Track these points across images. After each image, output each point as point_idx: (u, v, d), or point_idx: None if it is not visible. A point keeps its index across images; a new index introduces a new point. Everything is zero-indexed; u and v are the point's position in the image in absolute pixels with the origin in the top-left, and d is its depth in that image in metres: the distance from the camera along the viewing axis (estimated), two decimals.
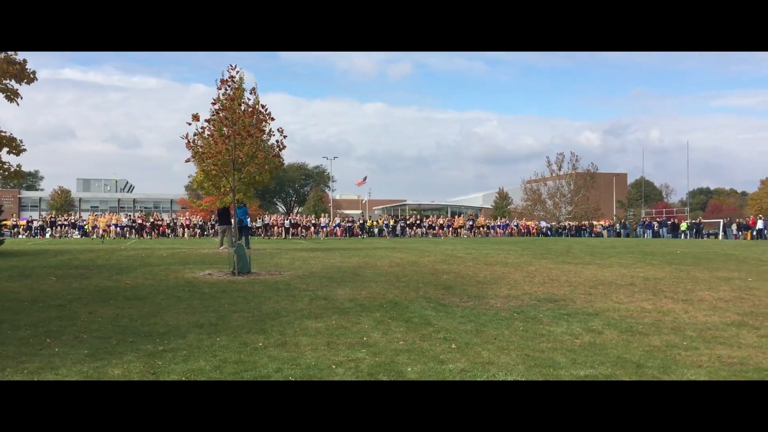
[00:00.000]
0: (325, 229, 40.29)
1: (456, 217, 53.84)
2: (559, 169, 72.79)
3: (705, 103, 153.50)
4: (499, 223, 51.96)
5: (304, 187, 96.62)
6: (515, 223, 53.00)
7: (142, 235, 33.00)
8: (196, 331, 8.08)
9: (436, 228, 45.84)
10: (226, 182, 19.44)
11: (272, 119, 13.97)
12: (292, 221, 36.52)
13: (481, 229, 47.34)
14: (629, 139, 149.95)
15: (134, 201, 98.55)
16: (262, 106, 13.93)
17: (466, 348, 7.34)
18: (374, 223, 46.60)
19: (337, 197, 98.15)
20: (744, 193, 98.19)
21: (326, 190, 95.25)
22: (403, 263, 16.92)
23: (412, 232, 44.72)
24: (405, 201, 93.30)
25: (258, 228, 36.12)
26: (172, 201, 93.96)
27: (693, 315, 9.63)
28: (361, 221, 47.03)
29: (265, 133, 14.16)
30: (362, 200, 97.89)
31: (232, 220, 18.90)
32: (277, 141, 14.17)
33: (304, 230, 37.83)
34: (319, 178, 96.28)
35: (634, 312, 9.84)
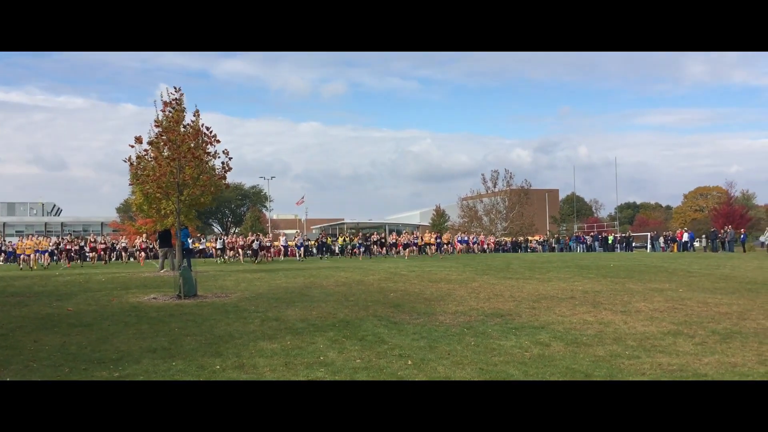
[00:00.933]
0: (300, 249, 37.61)
1: (425, 233, 47.74)
2: (494, 186, 74.17)
3: (628, 121, 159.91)
4: (459, 238, 51.66)
5: (241, 207, 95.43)
6: (474, 239, 53.22)
7: (74, 260, 31.51)
8: (150, 356, 8.01)
9: (398, 246, 41.33)
10: (166, 204, 19.18)
11: (218, 141, 13.94)
12: (261, 243, 33.32)
13: (447, 246, 42.38)
14: (558, 156, 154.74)
15: (62, 224, 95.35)
16: (207, 128, 13.89)
17: (422, 364, 7.54)
18: (345, 240, 42.87)
19: (275, 217, 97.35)
20: (668, 207, 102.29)
21: (264, 210, 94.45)
22: (349, 282, 17.04)
23: (378, 251, 41.56)
24: (343, 219, 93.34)
25: (198, 250, 34.65)
26: (102, 224, 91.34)
27: (632, 326, 10.10)
28: (321, 240, 43.96)
29: (210, 155, 14.12)
30: (300, 220, 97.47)
31: (180, 241, 18.70)
32: (223, 163, 14.16)
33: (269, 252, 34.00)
34: (255, 198, 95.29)
35: (577, 324, 10.25)
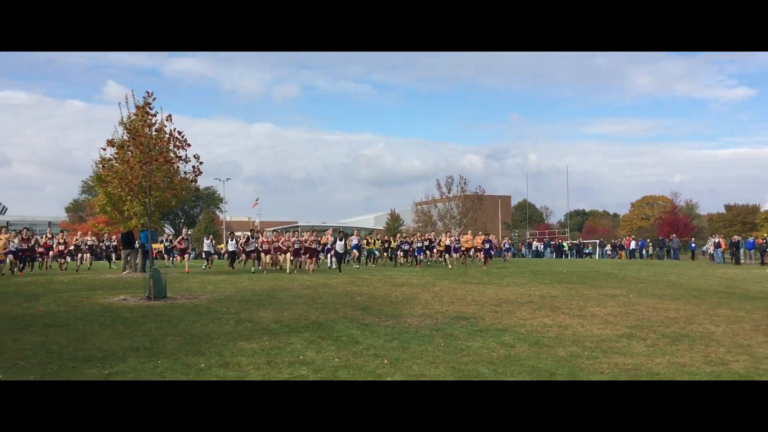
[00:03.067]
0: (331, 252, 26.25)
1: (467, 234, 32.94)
2: (449, 192, 75.17)
3: (577, 130, 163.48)
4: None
5: (194, 208, 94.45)
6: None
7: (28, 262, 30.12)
8: (134, 355, 8.28)
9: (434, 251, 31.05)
10: (131, 206, 19.22)
11: (188, 145, 14.16)
12: (295, 243, 23.92)
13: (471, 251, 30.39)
14: (509, 163, 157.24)
15: (8, 223, 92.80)
16: (179, 132, 14.11)
17: (398, 363, 8.01)
18: (369, 244, 31.09)
19: (228, 219, 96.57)
20: (616, 215, 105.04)
21: (217, 212, 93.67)
22: (314, 285, 17.39)
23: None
24: (297, 222, 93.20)
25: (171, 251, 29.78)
26: (50, 223, 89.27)
27: (589, 329, 10.76)
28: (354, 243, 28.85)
29: (181, 159, 14.34)
30: (254, 222, 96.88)
31: (141, 243, 18.79)
32: (193, 167, 14.38)
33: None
34: (209, 199, 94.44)
35: (538, 327, 10.87)
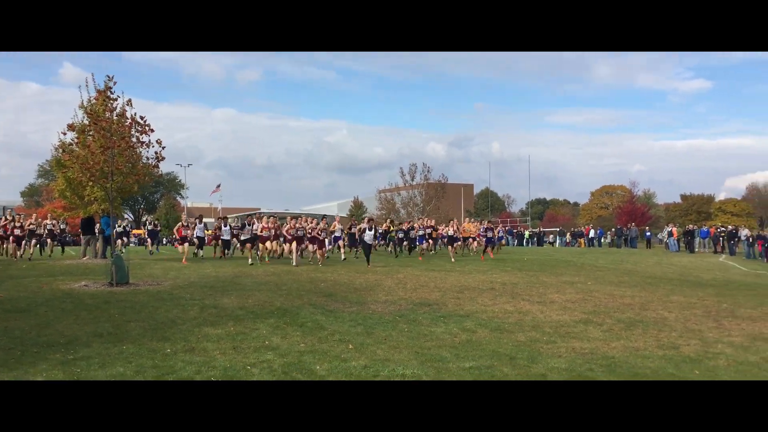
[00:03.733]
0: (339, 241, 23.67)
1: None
2: (412, 179, 75.44)
3: (540, 119, 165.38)
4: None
5: (154, 194, 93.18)
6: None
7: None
8: (99, 341, 8.27)
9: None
10: (91, 191, 18.97)
11: (152, 130, 14.04)
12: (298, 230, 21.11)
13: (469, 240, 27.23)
14: (473, 151, 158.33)
15: None
16: (141, 118, 13.96)
17: (362, 348, 8.16)
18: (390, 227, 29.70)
19: (189, 205, 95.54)
20: (576, 204, 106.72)
21: (178, 198, 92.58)
22: (278, 272, 17.43)
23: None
24: (259, 209, 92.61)
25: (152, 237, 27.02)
26: (4, 208, 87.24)
27: (548, 315, 11.06)
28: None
29: (144, 145, 14.20)
30: (215, 208, 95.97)
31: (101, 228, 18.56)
32: (156, 152, 14.27)
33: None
34: (170, 185, 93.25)
35: (498, 313, 11.13)
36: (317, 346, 8.19)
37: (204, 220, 24.46)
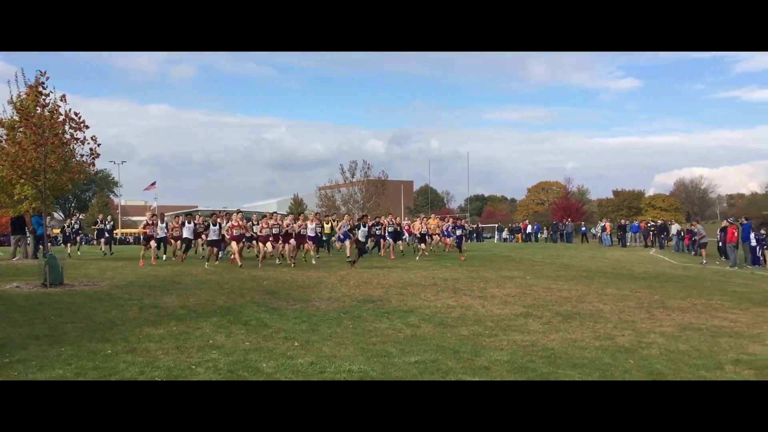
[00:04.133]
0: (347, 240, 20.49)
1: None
2: (353, 176, 75.49)
3: (478, 117, 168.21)
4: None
5: (86, 192, 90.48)
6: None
7: None
8: (35, 343, 8.03)
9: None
10: (21, 190, 18.32)
11: (86, 127, 13.64)
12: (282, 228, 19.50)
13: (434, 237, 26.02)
14: (412, 148, 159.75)
15: None
16: (75, 114, 13.54)
17: (308, 345, 8.17)
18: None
19: (123, 203, 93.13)
20: (513, 200, 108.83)
21: (111, 196, 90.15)
22: (219, 270, 17.23)
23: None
24: (197, 207, 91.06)
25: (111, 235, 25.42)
26: None
27: (489, 309, 11.29)
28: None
29: (78, 141, 13.80)
30: (150, 206, 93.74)
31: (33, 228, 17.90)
32: (91, 149, 13.87)
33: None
34: (102, 183, 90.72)
35: (441, 308, 11.30)
36: (262, 344, 8.16)
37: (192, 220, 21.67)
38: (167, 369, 6.79)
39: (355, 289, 13.59)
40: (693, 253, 30.97)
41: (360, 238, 20.34)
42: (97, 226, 24.59)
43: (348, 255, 19.97)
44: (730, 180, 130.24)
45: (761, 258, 25.29)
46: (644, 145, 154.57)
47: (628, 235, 40.14)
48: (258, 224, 19.97)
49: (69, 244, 24.89)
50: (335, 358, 7.44)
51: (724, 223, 27.56)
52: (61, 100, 14.13)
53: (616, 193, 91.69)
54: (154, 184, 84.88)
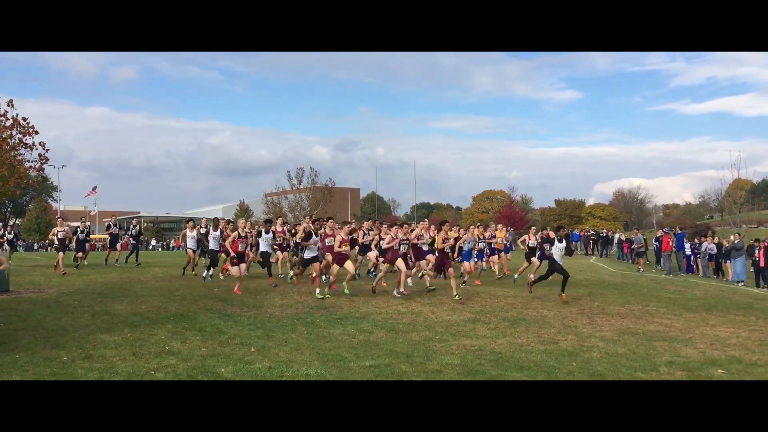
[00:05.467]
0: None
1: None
2: (299, 183, 75.37)
3: (424, 125, 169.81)
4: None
5: (23, 197, 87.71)
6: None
7: None
8: None
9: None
10: None
11: (36, 132, 13.48)
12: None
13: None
14: (358, 156, 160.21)
15: None
16: (24, 119, 13.36)
17: (264, 350, 8.35)
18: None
19: (62, 208, 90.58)
20: (458, 208, 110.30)
21: (50, 201, 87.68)
22: (168, 277, 17.15)
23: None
24: (139, 213, 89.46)
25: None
26: None
27: (439, 315, 11.64)
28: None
29: (27, 147, 13.60)
30: (90, 212, 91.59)
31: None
32: (40, 154, 13.69)
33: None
34: (40, 187, 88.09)
35: (393, 314, 11.60)
36: (219, 350, 8.29)
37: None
38: (126, 375, 6.88)
39: (306, 296, 13.76)
40: (630, 261, 32.08)
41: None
42: (110, 231, 21.58)
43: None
44: (666, 190, 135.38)
45: (694, 266, 26.48)
46: (584, 155, 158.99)
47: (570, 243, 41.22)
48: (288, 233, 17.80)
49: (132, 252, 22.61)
50: (292, 363, 7.64)
51: (659, 233, 28.76)
52: (9, 105, 13.93)
53: (558, 202, 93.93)
54: (95, 189, 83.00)
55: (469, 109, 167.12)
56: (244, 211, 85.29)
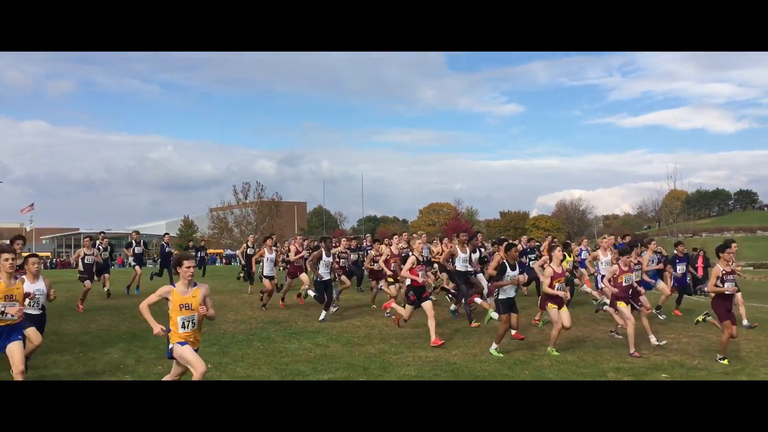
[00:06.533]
0: None
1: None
2: (245, 198, 74.70)
3: (369, 138, 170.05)
4: None
5: None
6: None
7: None
8: None
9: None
10: None
11: None
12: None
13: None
14: (303, 169, 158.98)
15: None
16: None
17: (222, 366, 8.36)
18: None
19: None
20: (405, 221, 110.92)
21: None
22: (116, 294, 16.82)
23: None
24: (78, 229, 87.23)
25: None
26: None
27: (393, 327, 11.78)
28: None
29: None
30: (26, 229, 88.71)
31: None
32: None
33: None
34: None
35: (348, 328, 11.69)
36: None
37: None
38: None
39: (259, 311, 13.73)
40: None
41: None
42: (132, 250, 18.88)
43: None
44: (606, 201, 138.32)
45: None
46: (527, 167, 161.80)
47: None
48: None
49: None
50: (250, 378, 7.67)
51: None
52: None
53: (502, 214, 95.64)
54: (32, 205, 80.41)
55: (414, 122, 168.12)
56: (188, 226, 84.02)
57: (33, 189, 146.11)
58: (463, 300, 12.41)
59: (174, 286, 6.53)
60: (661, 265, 14.46)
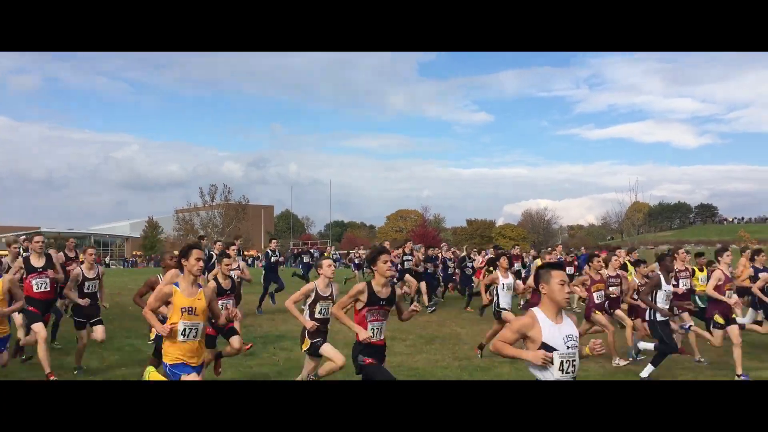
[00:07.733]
0: None
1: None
2: (212, 200, 74.15)
3: (338, 143, 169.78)
4: None
5: None
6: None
7: None
8: None
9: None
10: None
11: None
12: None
13: None
14: (270, 172, 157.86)
15: None
16: None
17: None
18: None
19: None
20: (372, 227, 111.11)
21: None
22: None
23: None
24: (39, 228, 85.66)
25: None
26: None
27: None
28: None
29: None
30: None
31: None
32: None
33: None
34: None
35: None
36: (139, 370, 8.23)
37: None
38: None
39: None
40: None
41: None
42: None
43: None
44: (571, 212, 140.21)
45: None
46: (495, 176, 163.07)
47: None
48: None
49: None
50: (217, 380, 7.74)
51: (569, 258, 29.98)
52: None
53: (469, 222, 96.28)
54: None
55: (383, 128, 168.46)
56: (153, 227, 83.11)
57: None
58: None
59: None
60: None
